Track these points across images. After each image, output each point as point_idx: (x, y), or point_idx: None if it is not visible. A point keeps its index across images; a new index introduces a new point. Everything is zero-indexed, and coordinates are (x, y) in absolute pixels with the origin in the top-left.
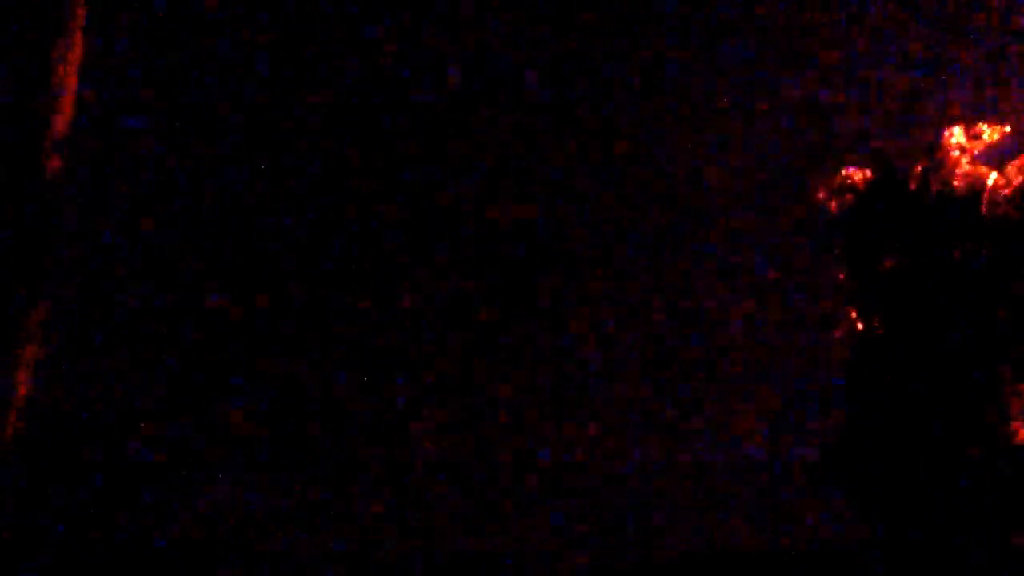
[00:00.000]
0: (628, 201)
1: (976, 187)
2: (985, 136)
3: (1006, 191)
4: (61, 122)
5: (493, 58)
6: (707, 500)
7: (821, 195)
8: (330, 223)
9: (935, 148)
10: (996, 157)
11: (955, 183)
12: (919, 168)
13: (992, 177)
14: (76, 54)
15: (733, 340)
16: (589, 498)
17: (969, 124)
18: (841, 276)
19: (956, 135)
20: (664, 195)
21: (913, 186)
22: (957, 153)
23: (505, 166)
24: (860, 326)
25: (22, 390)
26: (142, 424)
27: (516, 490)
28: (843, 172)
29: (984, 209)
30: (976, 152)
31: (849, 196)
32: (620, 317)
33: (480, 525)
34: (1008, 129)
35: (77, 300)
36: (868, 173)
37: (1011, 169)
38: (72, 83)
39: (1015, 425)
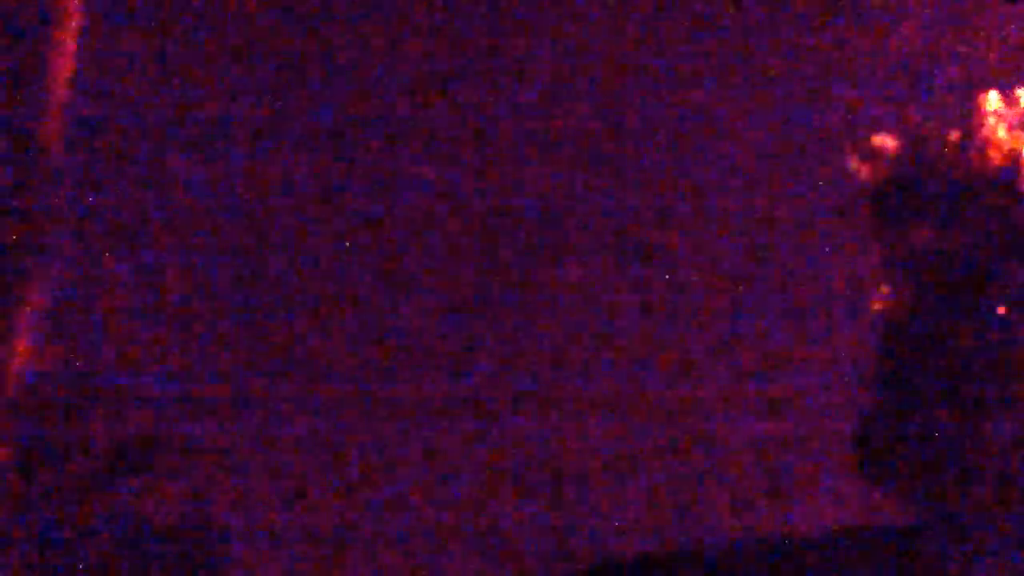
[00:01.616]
0: (640, 164)
1: (1014, 156)
2: (1023, 102)
3: None
4: (59, 98)
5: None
6: (724, 484)
7: (851, 162)
8: (335, 215)
9: (969, 115)
10: None
11: (991, 152)
12: (953, 136)
13: None
14: (72, 41)
15: (753, 317)
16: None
17: (1006, 89)
18: (873, 249)
19: (992, 100)
20: (681, 162)
21: (947, 155)
22: (993, 120)
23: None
24: (893, 302)
25: (18, 361)
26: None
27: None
28: (873, 139)
29: (1022, 181)
30: (1014, 119)
31: (880, 164)
32: (633, 292)
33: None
34: None
35: (76, 274)
36: (900, 140)
37: None
38: (68, 69)
39: None
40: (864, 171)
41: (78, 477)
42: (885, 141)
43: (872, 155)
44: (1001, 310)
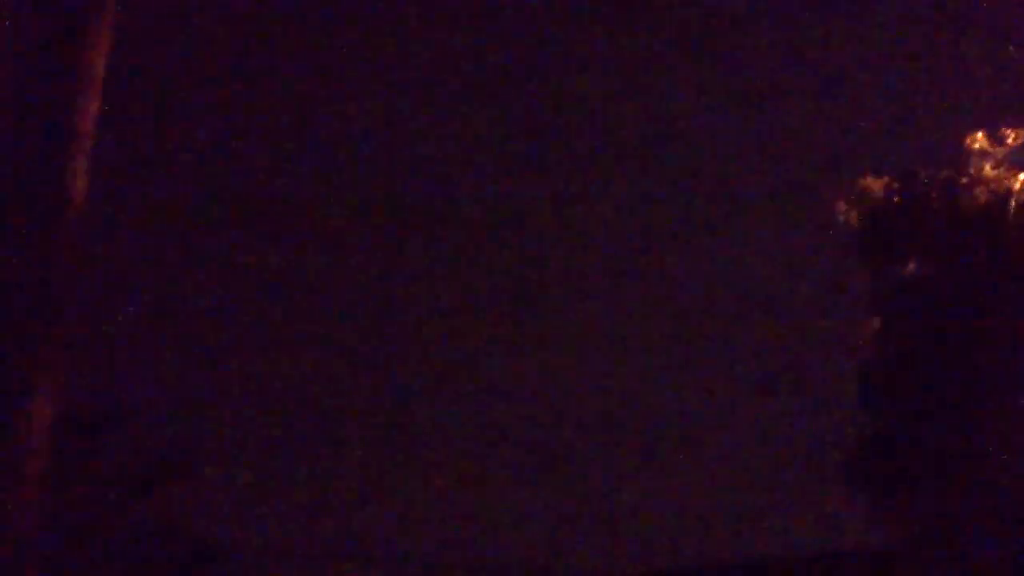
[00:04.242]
0: (650, 207)
1: (1000, 192)
2: (1009, 140)
3: None
4: (87, 119)
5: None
6: (726, 503)
7: (840, 204)
8: (356, 225)
9: (958, 152)
10: (1019, 161)
11: (978, 188)
12: (941, 174)
13: (1019, 180)
14: (105, 46)
15: (755, 344)
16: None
17: (991, 127)
18: (864, 282)
19: (978, 139)
20: (684, 201)
21: (935, 193)
22: (979, 159)
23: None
24: (884, 332)
25: (46, 390)
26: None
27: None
28: (861, 180)
29: (1010, 215)
30: (1000, 156)
31: (868, 204)
32: (636, 317)
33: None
34: None
35: (100, 300)
36: (887, 180)
37: None
38: (99, 77)
39: None
40: (855, 207)
41: (105, 491)
42: (875, 179)
43: (863, 191)
44: (987, 341)
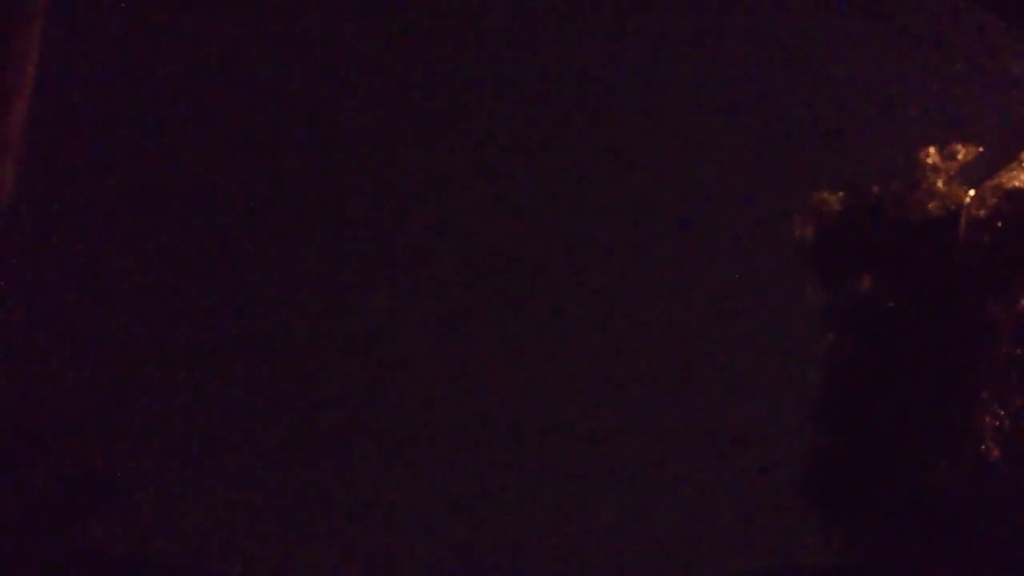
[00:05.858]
0: (614, 228)
1: (951, 208)
2: (959, 156)
3: (981, 211)
4: (15, 121)
5: (491, 60)
6: (683, 522)
7: (796, 220)
8: (291, 233)
9: (911, 168)
10: (970, 176)
11: (931, 204)
12: (894, 190)
13: (969, 195)
14: (34, 49)
15: (713, 361)
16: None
17: (943, 143)
18: (818, 298)
19: (931, 155)
20: (643, 219)
21: (889, 207)
22: (932, 174)
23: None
24: (838, 345)
25: None
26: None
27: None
28: (816, 196)
29: (961, 232)
30: (951, 172)
31: (823, 219)
32: (584, 335)
33: (469, 536)
34: (982, 149)
35: (22, 304)
36: (841, 196)
37: (986, 189)
38: (29, 80)
39: (989, 443)
40: (809, 224)
41: (41, 513)
42: (830, 193)
43: (818, 205)
44: (940, 353)
